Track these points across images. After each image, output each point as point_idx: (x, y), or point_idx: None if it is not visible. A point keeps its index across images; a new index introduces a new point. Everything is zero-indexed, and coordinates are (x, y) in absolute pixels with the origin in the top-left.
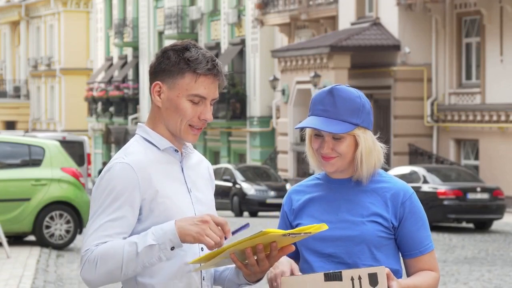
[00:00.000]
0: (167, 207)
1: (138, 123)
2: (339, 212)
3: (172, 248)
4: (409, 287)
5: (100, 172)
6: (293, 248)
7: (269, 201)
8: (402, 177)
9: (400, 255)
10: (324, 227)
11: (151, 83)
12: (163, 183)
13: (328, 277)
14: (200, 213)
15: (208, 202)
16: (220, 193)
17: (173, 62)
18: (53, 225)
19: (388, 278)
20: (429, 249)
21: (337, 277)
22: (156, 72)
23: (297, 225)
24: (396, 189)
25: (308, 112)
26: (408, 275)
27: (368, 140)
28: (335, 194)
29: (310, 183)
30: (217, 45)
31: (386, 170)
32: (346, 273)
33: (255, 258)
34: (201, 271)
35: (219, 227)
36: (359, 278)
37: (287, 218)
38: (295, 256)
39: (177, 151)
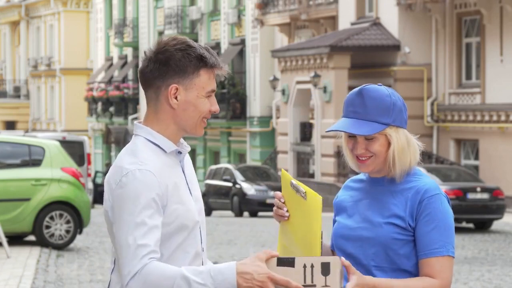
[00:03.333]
0: (180, 213)
1: (135, 123)
2: (365, 211)
3: None
4: (375, 286)
5: (96, 173)
6: None
7: (269, 201)
8: None
9: None
10: (318, 198)
11: (158, 87)
12: (175, 188)
13: (281, 263)
14: (198, 211)
15: (200, 198)
16: (220, 193)
17: (186, 62)
18: (53, 225)
19: (348, 272)
20: (439, 253)
21: (290, 263)
22: (166, 75)
23: (334, 221)
24: (418, 187)
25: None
26: None
27: (401, 138)
28: (368, 192)
29: (356, 178)
30: (217, 45)
31: None
32: (299, 260)
33: None
34: None
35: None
36: (312, 266)
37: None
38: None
39: (180, 153)
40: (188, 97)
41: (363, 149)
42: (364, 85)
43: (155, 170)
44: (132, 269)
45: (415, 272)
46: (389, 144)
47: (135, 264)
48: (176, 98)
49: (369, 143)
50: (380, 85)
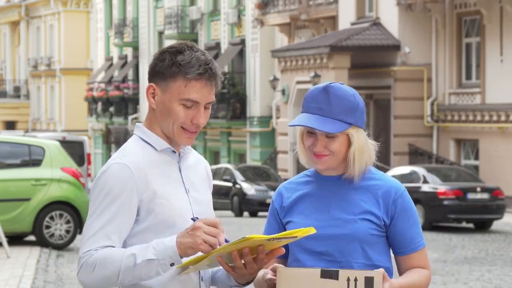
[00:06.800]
0: (164, 208)
1: (136, 123)
2: (330, 210)
3: (172, 264)
4: (402, 287)
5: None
6: (283, 251)
7: (269, 201)
8: (402, 177)
9: (392, 252)
10: (311, 231)
11: (148, 84)
12: (161, 184)
13: (325, 274)
14: (198, 213)
15: (206, 202)
16: (220, 193)
17: (167, 65)
18: (53, 225)
19: (383, 279)
20: (421, 246)
21: (334, 275)
22: (152, 74)
23: (287, 223)
24: (387, 186)
25: (301, 108)
26: (400, 272)
27: (361, 139)
28: (325, 191)
29: (300, 180)
30: (217, 45)
31: (386, 170)
32: (343, 273)
33: (242, 261)
34: (199, 272)
35: (213, 227)
36: (355, 280)
37: (277, 215)
38: (285, 254)
39: (175, 152)
40: (163, 99)
41: (323, 147)
42: (328, 82)
43: (133, 164)
44: (80, 261)
45: (386, 267)
46: (348, 143)
47: (83, 256)
48: (154, 98)
49: (329, 141)
50: (343, 84)
